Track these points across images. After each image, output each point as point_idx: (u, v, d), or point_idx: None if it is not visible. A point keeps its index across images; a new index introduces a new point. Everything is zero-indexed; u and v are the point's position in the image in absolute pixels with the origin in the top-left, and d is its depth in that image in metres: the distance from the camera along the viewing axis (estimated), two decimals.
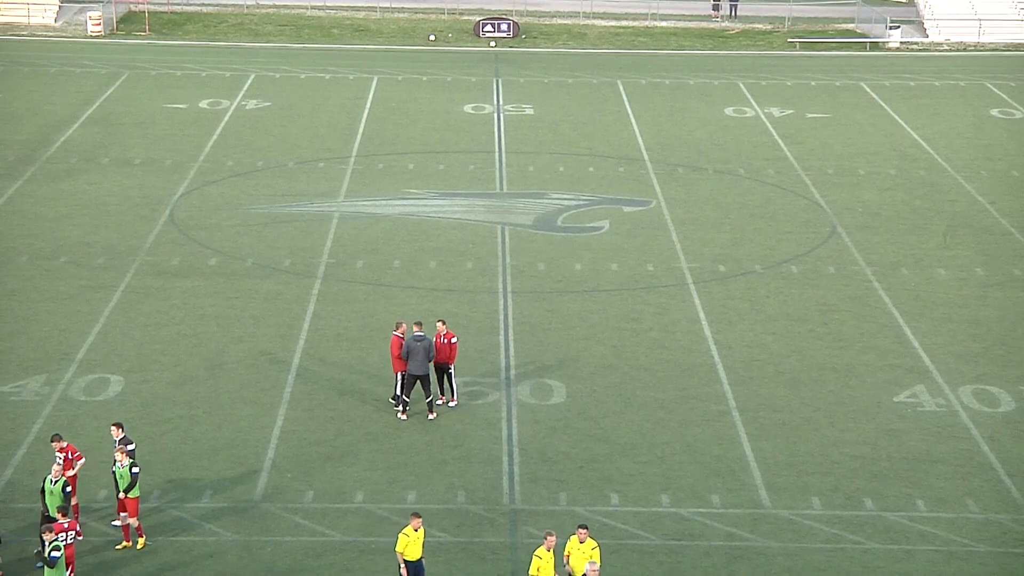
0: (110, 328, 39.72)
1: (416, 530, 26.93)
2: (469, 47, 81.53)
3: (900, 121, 64.99)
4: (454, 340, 34.95)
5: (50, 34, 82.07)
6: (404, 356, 33.94)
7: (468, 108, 66.23)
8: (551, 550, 26.27)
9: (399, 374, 34.51)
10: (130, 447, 29.28)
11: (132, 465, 28.71)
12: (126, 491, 28.64)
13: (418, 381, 34.22)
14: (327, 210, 50.50)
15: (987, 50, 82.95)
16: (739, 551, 29.30)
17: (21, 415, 33.97)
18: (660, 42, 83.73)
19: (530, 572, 26.31)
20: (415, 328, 34.25)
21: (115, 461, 28.85)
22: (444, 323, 35.14)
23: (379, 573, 28.19)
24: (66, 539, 26.52)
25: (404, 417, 34.33)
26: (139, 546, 28.72)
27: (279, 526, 29.80)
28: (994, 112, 67.45)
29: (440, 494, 31.18)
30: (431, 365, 34.40)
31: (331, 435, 33.72)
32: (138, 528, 28.84)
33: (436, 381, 35.00)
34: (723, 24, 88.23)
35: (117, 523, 29.11)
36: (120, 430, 29.65)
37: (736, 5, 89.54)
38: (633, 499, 31.17)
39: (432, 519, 30.03)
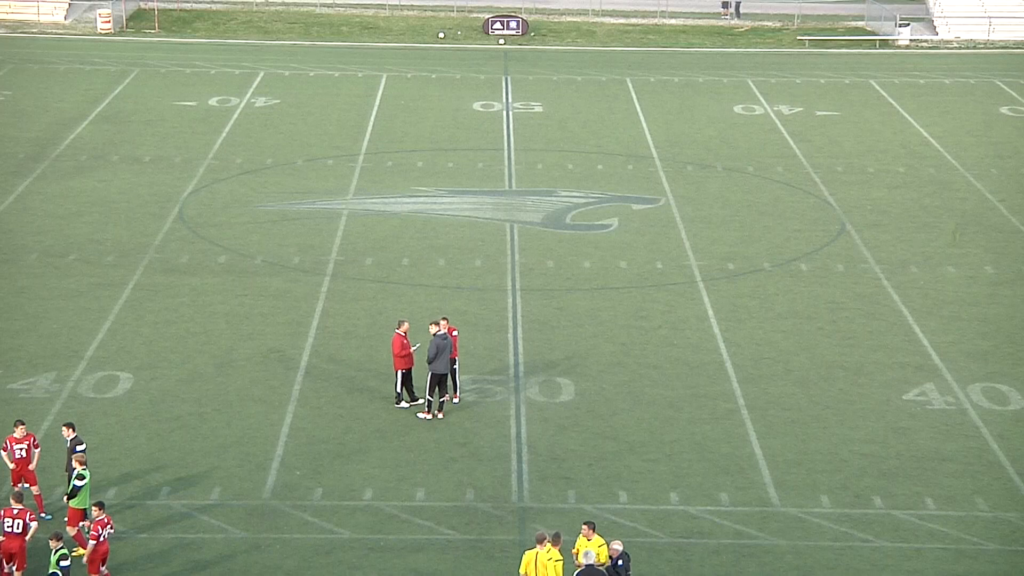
0: (119, 325, 39.77)
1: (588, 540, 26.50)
2: (478, 45, 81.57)
3: (910, 119, 64.92)
4: (455, 333, 35.04)
5: (60, 31, 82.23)
6: (432, 357, 33.88)
7: (477, 106, 66.24)
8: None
9: (399, 372, 34.58)
10: (80, 449, 28.78)
11: (78, 476, 28.13)
12: (68, 498, 28.28)
13: (439, 379, 34.29)
14: (336, 207, 50.53)
15: (997, 48, 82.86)
16: (748, 549, 29.28)
17: (31, 412, 33.99)
18: (669, 40, 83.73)
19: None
20: (435, 328, 34.20)
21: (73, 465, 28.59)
22: (447, 320, 35.22)
23: (388, 571, 28.20)
24: (101, 534, 26.65)
25: (429, 416, 34.28)
26: (75, 554, 27.70)
27: (288, 523, 29.83)
28: (1004, 110, 67.36)
29: (449, 492, 31.18)
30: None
31: (340, 432, 33.75)
32: (77, 535, 28.17)
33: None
34: (732, 22, 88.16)
35: (69, 528, 28.72)
36: (71, 430, 29.33)
37: (739, 4, 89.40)
38: (642, 497, 31.16)
39: (441, 517, 30.07)
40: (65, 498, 28.62)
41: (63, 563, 25.89)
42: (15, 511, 26.87)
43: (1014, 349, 39.51)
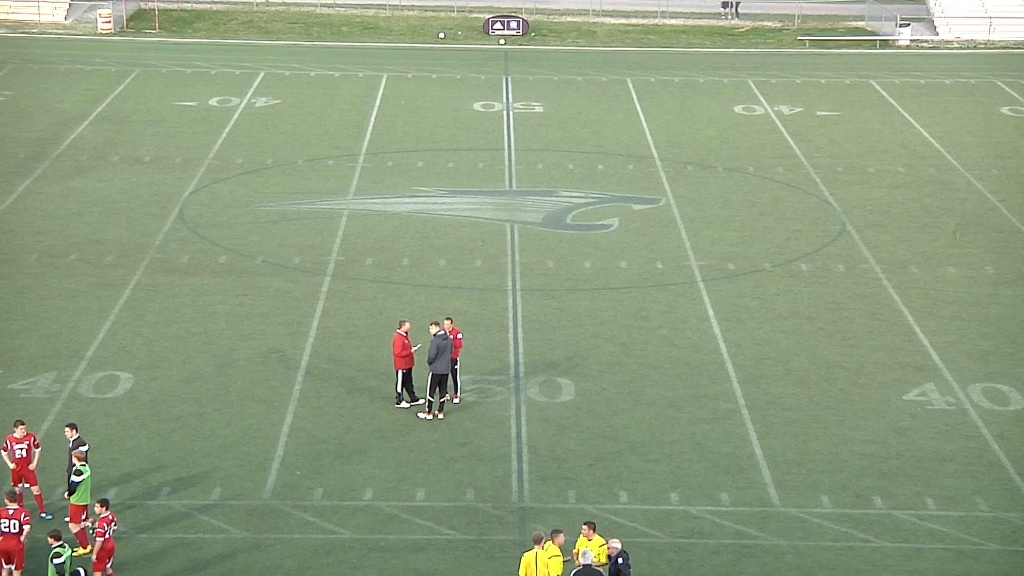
0: (120, 325, 39.78)
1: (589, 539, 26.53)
2: (478, 45, 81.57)
3: (910, 119, 64.92)
4: (460, 336, 35.04)
5: (60, 32, 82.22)
6: (433, 357, 33.89)
7: (477, 106, 66.24)
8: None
9: (399, 372, 34.60)
10: (82, 448, 28.87)
11: (76, 471, 28.22)
12: (68, 494, 28.32)
13: (439, 379, 34.31)
14: (336, 208, 50.53)
15: (997, 48, 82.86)
16: (748, 549, 29.28)
17: (31, 412, 34.00)
18: (670, 40, 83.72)
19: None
20: (435, 328, 34.22)
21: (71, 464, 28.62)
22: (451, 321, 35.25)
23: (388, 571, 28.20)
24: (107, 531, 26.70)
25: (430, 416, 34.29)
26: (76, 553, 27.75)
27: (288, 523, 29.83)
28: (1004, 110, 67.35)
29: (449, 492, 31.18)
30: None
31: (340, 432, 33.75)
32: (79, 533, 28.26)
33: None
34: (733, 22, 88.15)
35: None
36: (74, 431, 29.33)
37: (738, 3, 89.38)
38: (642, 497, 31.16)
39: (441, 517, 30.07)
40: (66, 495, 28.64)
41: (56, 561, 25.87)
42: (10, 511, 26.88)
43: (1014, 349, 39.51)
